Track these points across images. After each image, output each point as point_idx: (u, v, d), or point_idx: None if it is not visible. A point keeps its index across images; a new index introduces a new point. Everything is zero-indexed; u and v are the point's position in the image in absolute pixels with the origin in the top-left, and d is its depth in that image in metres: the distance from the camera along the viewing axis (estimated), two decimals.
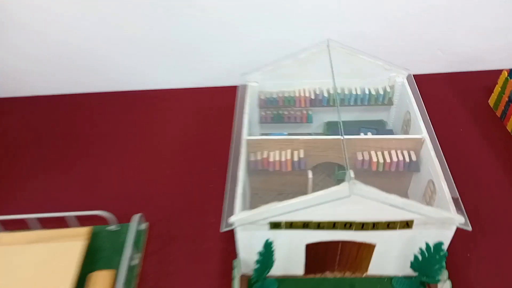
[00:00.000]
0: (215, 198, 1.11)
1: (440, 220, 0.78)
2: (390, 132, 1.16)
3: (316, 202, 0.76)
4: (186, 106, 1.47)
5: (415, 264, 0.84)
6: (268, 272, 0.87)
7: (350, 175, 0.74)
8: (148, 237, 1.04)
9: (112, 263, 0.97)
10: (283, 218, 0.80)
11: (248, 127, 1.03)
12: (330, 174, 1.12)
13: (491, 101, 1.32)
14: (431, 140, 0.94)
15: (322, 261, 0.91)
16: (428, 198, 0.93)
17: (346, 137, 0.96)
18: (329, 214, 0.79)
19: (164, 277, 0.96)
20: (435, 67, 1.51)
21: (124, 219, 1.06)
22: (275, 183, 1.08)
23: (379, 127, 1.18)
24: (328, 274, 0.93)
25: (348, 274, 0.93)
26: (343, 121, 1.21)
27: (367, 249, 0.87)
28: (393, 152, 0.98)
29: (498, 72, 1.35)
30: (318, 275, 0.93)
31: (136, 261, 0.98)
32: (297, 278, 0.93)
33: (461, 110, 1.34)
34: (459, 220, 0.78)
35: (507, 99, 1.22)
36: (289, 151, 0.99)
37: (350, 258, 0.90)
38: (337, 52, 1.06)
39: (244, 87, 1.14)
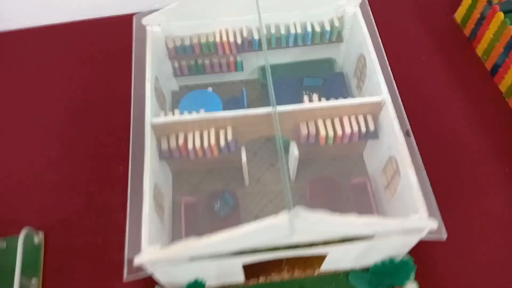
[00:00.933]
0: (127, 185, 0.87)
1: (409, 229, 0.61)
2: (341, 76, 0.92)
3: (247, 243, 0.56)
4: (62, 51, 1.09)
5: (375, 270, 0.70)
6: None
7: (291, 206, 0.52)
8: (46, 251, 0.82)
9: None
10: (208, 252, 0.60)
11: (152, 102, 0.75)
12: (270, 143, 0.90)
13: (458, 16, 1.08)
14: (394, 104, 0.72)
15: (265, 266, 0.75)
16: (390, 177, 0.75)
17: (280, 108, 0.72)
18: (267, 241, 0.60)
19: None
20: None
21: (5, 230, 0.82)
22: (202, 164, 0.85)
23: (327, 71, 0.94)
24: (275, 276, 0.78)
25: (298, 274, 0.78)
26: (283, 64, 0.96)
27: (318, 257, 0.70)
28: (345, 120, 0.75)
29: None
30: (262, 280, 0.78)
31: None
32: (238, 286, 0.77)
33: (421, 28, 1.10)
34: (431, 226, 0.61)
35: (479, 15, 0.99)
36: (213, 132, 0.75)
37: (299, 261, 0.74)
38: None
39: (143, 33, 0.82)
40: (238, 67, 0.91)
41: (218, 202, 0.79)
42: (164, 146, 0.74)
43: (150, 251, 0.59)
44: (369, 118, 0.76)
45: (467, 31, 1.05)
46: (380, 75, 0.75)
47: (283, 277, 0.78)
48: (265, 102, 0.91)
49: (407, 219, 0.59)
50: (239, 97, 0.89)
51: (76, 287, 0.78)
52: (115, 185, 0.88)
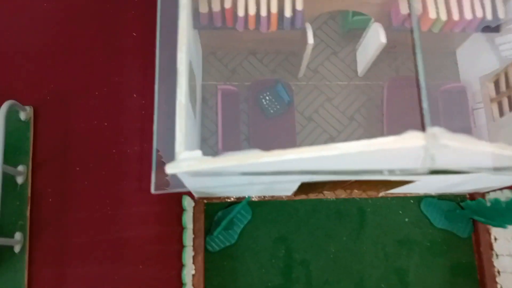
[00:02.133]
0: (138, 54, 0.66)
1: None
2: None
3: (338, 165, 0.38)
4: None
5: (474, 206, 0.54)
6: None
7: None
8: (36, 132, 0.63)
9: None
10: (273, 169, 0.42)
11: None
12: (334, 22, 0.67)
13: None
14: None
15: (322, 182, 0.58)
16: (506, 88, 0.55)
17: None
18: (369, 165, 0.42)
19: (71, 200, 0.61)
20: None
21: None
22: (246, 39, 0.63)
23: None
24: (328, 194, 0.62)
25: (356, 194, 0.62)
26: None
27: (399, 181, 0.54)
28: (465, 0, 0.53)
29: None
30: (312, 196, 0.62)
31: (22, 178, 0.61)
32: (281, 201, 0.62)
33: None
34: None
35: None
36: None
37: (366, 183, 0.58)
38: None
39: None
40: None
41: (267, 96, 0.59)
42: (204, 8, 0.52)
43: (190, 159, 0.40)
44: (499, 2, 0.53)
45: None
46: None
47: (337, 195, 0.62)
48: None
49: None
50: None
51: (76, 179, 0.62)
52: (125, 57, 0.67)
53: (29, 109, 0.63)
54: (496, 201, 0.49)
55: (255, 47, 0.65)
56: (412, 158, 0.34)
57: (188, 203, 0.55)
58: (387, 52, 0.62)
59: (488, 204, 0.51)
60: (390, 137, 0.34)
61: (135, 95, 0.64)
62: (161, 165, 0.47)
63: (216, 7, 0.51)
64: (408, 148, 0.33)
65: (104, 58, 0.67)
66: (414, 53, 0.37)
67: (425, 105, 0.34)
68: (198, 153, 0.41)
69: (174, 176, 0.41)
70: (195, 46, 0.58)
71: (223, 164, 0.39)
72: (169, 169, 0.40)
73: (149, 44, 0.67)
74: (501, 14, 0.53)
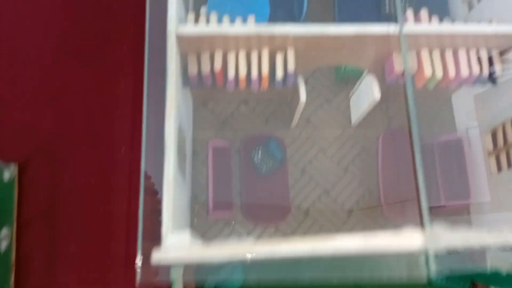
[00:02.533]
0: (125, 106, 0.64)
1: None
2: None
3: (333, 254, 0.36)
4: None
5: (479, 277, 0.52)
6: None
7: None
8: (21, 191, 0.61)
9: None
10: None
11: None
12: (327, 70, 0.65)
13: None
14: None
15: None
16: (504, 144, 0.53)
17: (376, 29, 0.47)
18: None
19: (57, 265, 0.58)
20: None
21: None
22: (237, 91, 0.61)
23: None
24: None
25: None
26: None
27: None
28: (461, 55, 0.51)
29: None
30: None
31: (5, 243, 0.58)
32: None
33: None
34: None
35: None
36: (266, 54, 0.50)
37: None
38: None
39: None
40: None
41: (259, 153, 0.57)
42: (193, 69, 0.50)
43: (177, 247, 0.38)
44: (495, 56, 0.52)
45: None
46: None
47: None
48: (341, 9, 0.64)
49: None
50: None
51: (62, 241, 0.59)
52: (115, 107, 0.65)
53: (13, 167, 0.61)
54: (496, 273, 0.48)
55: (247, 97, 0.64)
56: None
57: (177, 273, 0.53)
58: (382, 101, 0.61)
59: (488, 271, 0.49)
60: (388, 235, 0.32)
61: (122, 150, 0.62)
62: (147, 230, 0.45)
63: (205, 69, 0.49)
64: (407, 247, 0.32)
65: (91, 108, 0.65)
66: (413, 157, 0.35)
67: (423, 202, 0.32)
68: (186, 236, 0.40)
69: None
70: (185, 102, 0.56)
71: (212, 255, 0.37)
72: (155, 257, 0.38)
73: (138, 93, 0.65)
74: (498, 69, 0.52)
